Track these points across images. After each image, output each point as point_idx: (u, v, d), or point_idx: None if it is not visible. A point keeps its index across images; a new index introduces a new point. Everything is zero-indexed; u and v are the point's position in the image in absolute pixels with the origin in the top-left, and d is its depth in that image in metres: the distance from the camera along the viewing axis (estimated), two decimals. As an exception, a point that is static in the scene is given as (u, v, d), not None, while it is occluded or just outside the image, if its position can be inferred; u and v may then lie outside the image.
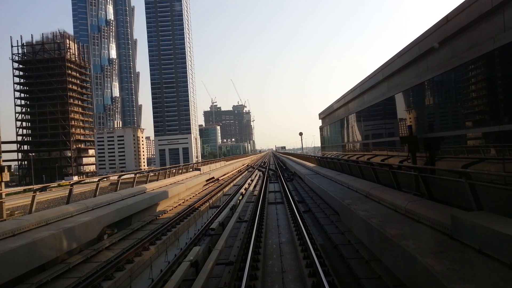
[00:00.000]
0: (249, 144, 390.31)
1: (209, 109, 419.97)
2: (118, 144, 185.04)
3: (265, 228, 14.12)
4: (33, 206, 12.50)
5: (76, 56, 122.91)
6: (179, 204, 22.11)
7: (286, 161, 59.98)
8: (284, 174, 41.31)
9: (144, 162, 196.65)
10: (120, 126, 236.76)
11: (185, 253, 11.23)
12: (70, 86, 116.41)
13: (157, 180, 25.41)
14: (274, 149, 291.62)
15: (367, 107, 18.54)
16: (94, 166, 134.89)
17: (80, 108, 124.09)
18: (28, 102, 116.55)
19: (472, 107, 9.38)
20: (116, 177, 20.57)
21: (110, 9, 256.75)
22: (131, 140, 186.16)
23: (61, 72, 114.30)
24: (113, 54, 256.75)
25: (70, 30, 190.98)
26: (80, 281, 9.28)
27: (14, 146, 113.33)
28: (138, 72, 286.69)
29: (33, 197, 12.64)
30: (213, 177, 37.97)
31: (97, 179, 18.49)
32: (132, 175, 23.33)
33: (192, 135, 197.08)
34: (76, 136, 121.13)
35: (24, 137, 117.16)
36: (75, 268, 10.35)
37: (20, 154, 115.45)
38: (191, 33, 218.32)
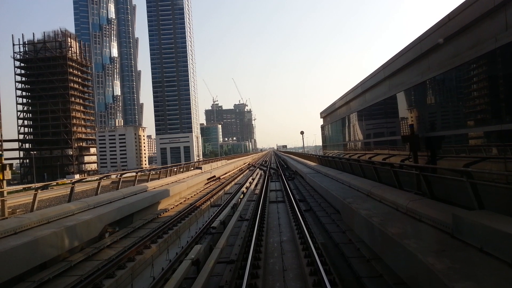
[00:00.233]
0: (250, 143, 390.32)
1: (210, 108, 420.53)
2: (120, 142, 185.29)
3: (266, 227, 14.14)
4: (34, 204, 12.54)
5: (78, 54, 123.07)
6: (181, 203, 22.13)
7: (287, 160, 59.98)
8: (285, 172, 41.31)
9: (145, 160, 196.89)
10: (122, 124, 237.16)
11: (186, 251, 11.24)
12: (72, 84, 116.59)
13: (158, 178, 25.47)
14: (275, 148, 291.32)
15: (369, 106, 18.52)
16: (96, 164, 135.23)
17: (81, 107, 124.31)
18: (29, 101, 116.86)
19: (474, 106, 9.36)
20: (117, 176, 20.61)
21: (112, 7, 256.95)
22: (132, 139, 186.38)
23: (63, 71, 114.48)
24: (115, 52, 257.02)
25: (71, 29, 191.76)
26: (82, 279, 9.31)
27: (15, 144, 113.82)
28: (140, 71, 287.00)
29: (35, 195, 12.69)
30: (214, 176, 38.01)
31: (99, 177, 18.53)
32: (134, 174, 23.41)
33: (193, 133, 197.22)
34: (78, 134, 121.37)
35: (25, 135, 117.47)
36: (76, 266, 10.38)
37: (21, 152, 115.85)
38: (192, 32, 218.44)
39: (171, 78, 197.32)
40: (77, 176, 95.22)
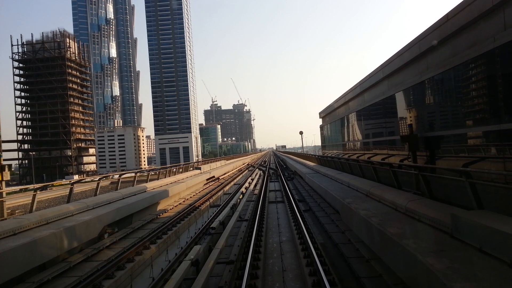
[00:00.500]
0: (249, 143, 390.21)
1: (209, 108, 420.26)
2: (119, 143, 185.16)
3: (266, 227, 14.13)
4: (33, 205, 12.51)
5: (76, 55, 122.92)
6: (180, 203, 22.11)
7: (287, 160, 59.98)
8: (285, 173, 41.30)
9: (144, 161, 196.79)
10: (121, 125, 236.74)
11: (185, 252, 11.23)
12: (70, 85, 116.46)
13: (157, 179, 25.44)
14: (275, 148, 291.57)
15: (368, 105, 18.54)
16: (95, 165, 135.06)
17: (80, 107, 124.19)
18: (28, 101, 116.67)
19: (473, 106, 9.37)
20: (116, 176, 20.58)
21: (110, 8, 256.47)
22: (131, 139, 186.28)
23: (61, 71, 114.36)
24: (113, 53, 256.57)
25: (70, 29, 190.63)
26: (81, 280, 9.30)
27: (14, 145, 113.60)
28: (138, 71, 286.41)
29: (34, 196, 12.66)
30: (213, 176, 37.99)
31: (98, 178, 18.51)
32: (133, 174, 23.36)
33: (192, 134, 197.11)
34: (77, 135, 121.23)
35: (24, 136, 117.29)
36: (75, 267, 10.36)
37: (20, 153, 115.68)
38: (191, 32, 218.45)
39: (170, 79, 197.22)
40: (76, 177, 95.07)
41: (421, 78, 11.47)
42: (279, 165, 56.60)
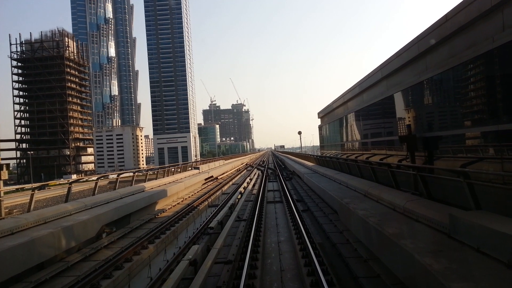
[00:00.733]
0: (248, 143, 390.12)
1: (208, 108, 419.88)
2: (117, 142, 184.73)
3: (264, 227, 14.13)
4: (31, 204, 12.48)
5: (75, 54, 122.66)
6: (178, 203, 22.09)
7: (285, 160, 60.00)
8: (283, 173, 41.32)
9: (143, 160, 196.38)
10: (119, 124, 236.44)
11: (184, 251, 11.22)
12: (69, 84, 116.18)
13: (156, 178, 25.42)
14: (273, 148, 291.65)
15: (366, 106, 18.55)
16: (93, 164, 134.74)
17: (78, 107, 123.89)
18: (26, 100, 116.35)
19: (471, 106, 9.38)
20: (114, 176, 20.55)
21: (109, 7, 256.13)
22: (130, 139, 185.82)
23: (60, 71, 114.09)
24: (112, 52, 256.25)
25: (69, 28, 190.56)
26: (79, 279, 9.28)
27: (12, 145, 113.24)
28: (137, 71, 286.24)
29: (32, 195, 12.63)
30: (212, 176, 37.98)
31: (96, 177, 18.48)
32: (131, 174, 23.33)
33: (191, 133, 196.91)
34: (75, 134, 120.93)
35: (22, 136, 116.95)
36: (73, 267, 10.34)
37: (18, 153, 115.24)
38: (190, 32, 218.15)
39: (168, 78, 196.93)
40: (74, 176, 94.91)
41: (420, 78, 11.48)
42: (278, 165, 56.64)
